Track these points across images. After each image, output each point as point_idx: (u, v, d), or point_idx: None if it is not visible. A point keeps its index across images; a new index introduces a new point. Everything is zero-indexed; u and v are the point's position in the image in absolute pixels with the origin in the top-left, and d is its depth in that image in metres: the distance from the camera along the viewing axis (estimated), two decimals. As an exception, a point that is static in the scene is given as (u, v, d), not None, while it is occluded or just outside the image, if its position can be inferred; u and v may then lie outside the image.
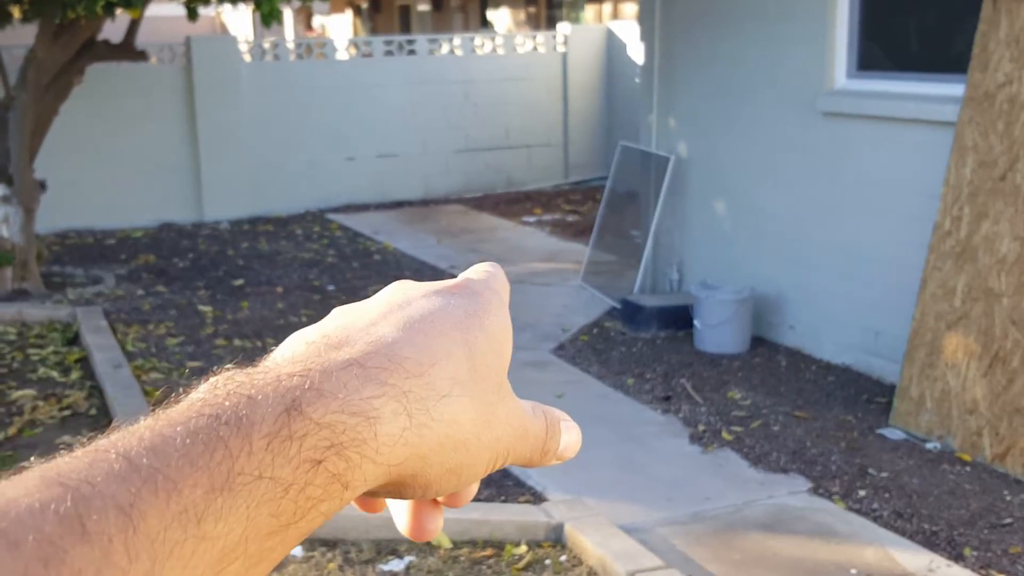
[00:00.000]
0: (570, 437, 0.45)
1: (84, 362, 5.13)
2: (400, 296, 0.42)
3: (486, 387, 0.40)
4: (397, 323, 0.40)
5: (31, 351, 5.34)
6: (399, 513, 0.43)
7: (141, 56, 6.84)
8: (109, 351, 5.09)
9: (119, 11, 5.80)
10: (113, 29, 6.79)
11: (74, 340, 5.52)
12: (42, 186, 6.55)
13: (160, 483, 0.31)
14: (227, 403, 0.34)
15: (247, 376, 0.36)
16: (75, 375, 4.96)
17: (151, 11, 6.60)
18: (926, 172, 4.43)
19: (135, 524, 0.30)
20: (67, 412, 4.47)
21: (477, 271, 0.46)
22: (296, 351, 0.39)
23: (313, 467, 0.34)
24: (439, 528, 0.43)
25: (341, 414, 0.35)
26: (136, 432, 0.33)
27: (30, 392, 4.70)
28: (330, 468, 0.35)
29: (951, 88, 4.32)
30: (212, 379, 0.36)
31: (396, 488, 0.39)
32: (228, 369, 0.37)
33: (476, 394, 0.40)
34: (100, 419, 4.36)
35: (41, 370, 5.02)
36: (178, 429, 0.33)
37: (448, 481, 0.39)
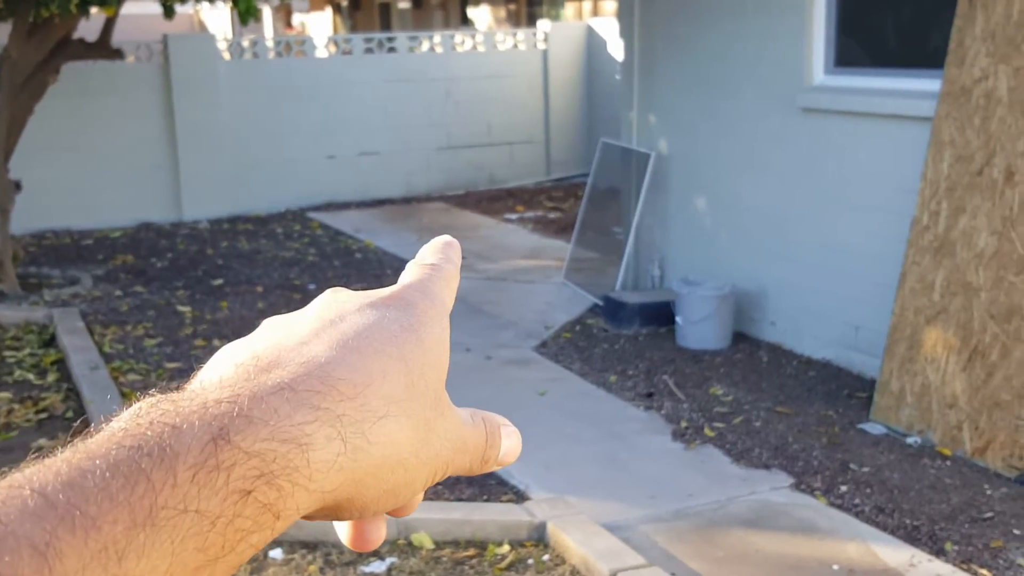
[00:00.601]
0: (510, 443, 0.44)
1: (61, 364, 5.08)
2: (333, 310, 0.40)
3: (424, 403, 0.39)
4: (330, 341, 0.38)
5: (7, 353, 5.28)
6: (341, 524, 0.42)
7: (117, 54, 6.77)
8: (86, 353, 5.05)
9: (94, 9, 5.74)
10: (88, 27, 6.72)
11: (51, 342, 5.46)
12: (17, 186, 6.49)
13: (78, 520, 0.30)
14: (150, 433, 0.32)
15: (172, 403, 0.34)
16: (52, 377, 4.91)
17: (127, 9, 6.54)
18: (905, 167, 4.45)
19: (51, 564, 0.29)
20: (43, 415, 4.43)
21: (419, 269, 0.44)
22: (224, 374, 0.37)
23: (242, 498, 0.33)
24: (382, 537, 0.42)
25: (271, 441, 0.34)
26: (52, 466, 0.31)
27: (6, 395, 4.65)
28: (260, 498, 0.33)
29: (928, 84, 4.34)
30: (135, 406, 0.34)
31: (332, 512, 0.37)
32: (152, 395, 0.35)
33: (413, 411, 0.38)
34: (77, 421, 4.32)
35: (17, 372, 4.97)
36: (97, 462, 0.31)
37: (385, 501, 0.38)
